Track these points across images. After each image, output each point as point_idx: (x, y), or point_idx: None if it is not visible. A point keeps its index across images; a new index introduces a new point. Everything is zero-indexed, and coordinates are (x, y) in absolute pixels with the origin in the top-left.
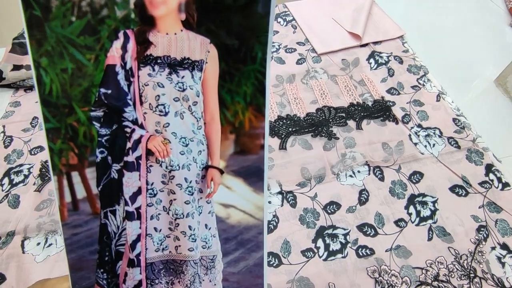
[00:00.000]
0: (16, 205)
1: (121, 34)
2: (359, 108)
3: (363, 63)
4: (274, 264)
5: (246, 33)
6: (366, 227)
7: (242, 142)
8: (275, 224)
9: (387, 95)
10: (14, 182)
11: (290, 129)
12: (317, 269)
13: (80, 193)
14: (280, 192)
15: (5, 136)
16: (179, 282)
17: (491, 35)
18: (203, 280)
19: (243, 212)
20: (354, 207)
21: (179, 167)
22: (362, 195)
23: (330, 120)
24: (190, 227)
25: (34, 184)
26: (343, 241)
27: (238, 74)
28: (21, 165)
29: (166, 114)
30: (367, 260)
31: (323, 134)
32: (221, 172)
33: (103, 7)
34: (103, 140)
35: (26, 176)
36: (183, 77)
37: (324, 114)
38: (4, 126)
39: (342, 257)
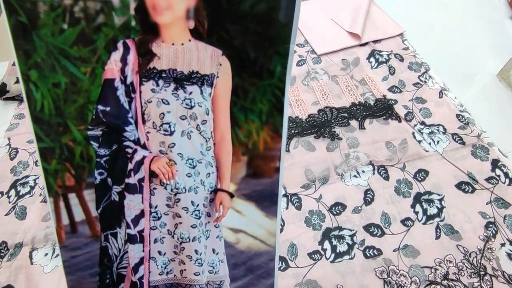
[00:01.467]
0: (23, 216)
1: (120, 45)
2: (361, 108)
3: (364, 62)
4: (282, 268)
5: (264, 43)
6: (372, 227)
7: (255, 165)
8: (281, 227)
9: (388, 93)
10: (20, 194)
11: (292, 131)
12: (324, 271)
13: (79, 215)
14: (285, 195)
15: (10, 148)
16: None
17: (492, 29)
18: None
19: (254, 238)
20: (359, 208)
21: (185, 190)
22: (368, 195)
23: (332, 121)
24: (196, 251)
25: (40, 195)
26: (350, 242)
27: (253, 89)
28: (27, 177)
29: (171, 133)
30: (375, 260)
31: (326, 135)
32: (231, 195)
33: (99, 13)
34: (102, 161)
35: (32, 187)
36: (191, 93)
37: (326, 115)
38: (9, 139)
39: (350, 259)
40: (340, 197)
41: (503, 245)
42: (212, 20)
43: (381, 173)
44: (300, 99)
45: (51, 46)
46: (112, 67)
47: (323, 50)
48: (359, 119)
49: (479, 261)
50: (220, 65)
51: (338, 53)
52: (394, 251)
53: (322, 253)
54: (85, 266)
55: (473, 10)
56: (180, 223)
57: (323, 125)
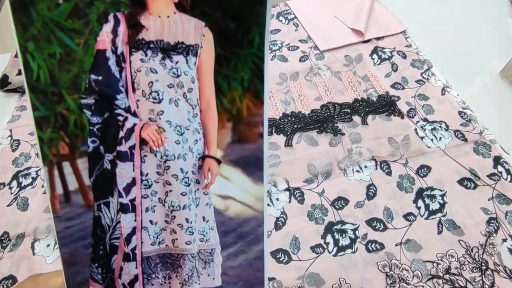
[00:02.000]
0: (25, 207)
1: (111, 17)
2: (364, 104)
3: (366, 59)
4: (284, 261)
5: (243, 15)
6: (375, 221)
7: (239, 131)
8: (283, 220)
9: (391, 90)
10: (22, 185)
11: (295, 126)
12: (327, 265)
13: (72, 184)
14: (288, 189)
15: (12, 140)
16: (176, 276)
17: (494, 27)
18: (201, 274)
19: (242, 204)
20: (362, 202)
21: (174, 157)
22: (370, 190)
23: (335, 116)
24: (187, 219)
25: (42, 186)
26: (352, 236)
27: (235, 58)
28: (29, 168)
29: (160, 101)
30: (377, 254)
31: (329, 130)
32: (219, 162)
33: None
34: (94, 129)
35: (34, 179)
36: (177, 62)
37: (329, 110)
38: (11, 130)
39: (352, 252)
40: (343, 192)
41: (504, 240)
42: None
43: (384, 169)
44: (303, 94)
45: (47, 19)
46: (104, 38)
47: (326, 46)
48: (362, 115)
49: (481, 256)
50: (203, 35)
51: (341, 49)
52: (396, 245)
53: (325, 246)
54: (78, 237)
55: (476, 9)
56: (171, 191)
57: (326, 120)
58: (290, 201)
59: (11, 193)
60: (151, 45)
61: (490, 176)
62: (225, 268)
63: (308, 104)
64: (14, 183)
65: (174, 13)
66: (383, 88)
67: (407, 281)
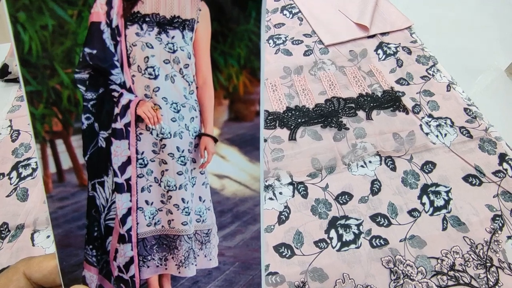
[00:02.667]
0: (25, 198)
1: None
2: (369, 99)
3: (371, 54)
4: (287, 255)
5: None
6: (379, 217)
7: (236, 108)
8: (286, 215)
9: (396, 85)
10: (22, 176)
11: (299, 120)
12: (330, 260)
13: (66, 163)
14: (291, 183)
15: (12, 130)
16: (172, 258)
17: (500, 24)
18: (198, 255)
19: (239, 183)
20: (366, 197)
21: (170, 135)
22: (374, 185)
23: (340, 111)
24: (183, 199)
25: None
26: (356, 231)
27: (231, 34)
28: (28, 159)
29: (155, 77)
30: (381, 250)
31: (333, 125)
32: (215, 140)
33: None
34: (89, 105)
35: (34, 170)
36: (173, 37)
37: (333, 104)
38: (11, 120)
39: (356, 248)
40: (347, 187)
41: (509, 237)
42: None
43: (388, 164)
44: (307, 88)
45: None
46: (98, 10)
47: (331, 40)
48: (367, 110)
49: (486, 253)
50: (200, 10)
51: (346, 44)
52: (400, 241)
53: (328, 241)
54: (72, 218)
55: (482, 5)
56: (167, 170)
57: (330, 114)
58: (293, 196)
59: (11, 184)
60: (147, 19)
61: (495, 173)
62: (222, 249)
63: (312, 98)
64: (14, 174)
65: None
66: (388, 83)
67: (411, 277)
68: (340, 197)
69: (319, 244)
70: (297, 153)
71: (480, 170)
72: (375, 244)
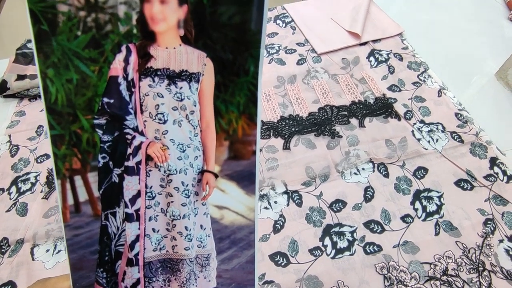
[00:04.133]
0: (24, 213)
1: (123, 48)
2: (361, 106)
3: (363, 61)
4: (282, 264)
5: (240, 48)
6: (372, 224)
7: (235, 148)
8: (281, 223)
9: (388, 92)
10: (21, 190)
11: (293, 129)
12: (325, 267)
13: (82, 196)
14: (286, 192)
15: (11, 145)
16: (175, 279)
17: (490, 29)
18: (198, 277)
19: (236, 213)
20: (360, 205)
21: (176, 171)
22: (368, 192)
23: (333, 119)
24: (186, 227)
25: (41, 191)
26: (350, 238)
27: (232, 85)
28: (28, 173)
29: (165, 122)
30: (375, 256)
31: (326, 133)
32: (216, 176)
33: (107, 23)
34: (105, 146)
35: (33, 184)
36: (181, 88)
37: (326, 113)
38: (10, 136)
39: (350, 255)
40: (341, 194)
41: (501, 241)
42: (198, 29)
43: (381, 171)
44: (301, 97)
45: (66, 49)
46: (117, 66)
47: (323, 49)
48: (359, 117)
49: (478, 257)
50: (205, 65)
51: (338, 52)
52: (394, 247)
53: (323, 249)
54: (86, 244)
55: (471, 11)
56: (172, 201)
57: (323, 123)
58: (288, 204)
59: (10, 199)
60: (159, 73)
61: (486, 177)
62: (220, 271)
63: (305, 107)
64: (13, 189)
65: (180, 45)
66: (380, 90)
67: (404, 283)
68: (334, 205)
69: (314, 252)
70: (291, 162)
71: (472, 175)
72: (369, 251)
